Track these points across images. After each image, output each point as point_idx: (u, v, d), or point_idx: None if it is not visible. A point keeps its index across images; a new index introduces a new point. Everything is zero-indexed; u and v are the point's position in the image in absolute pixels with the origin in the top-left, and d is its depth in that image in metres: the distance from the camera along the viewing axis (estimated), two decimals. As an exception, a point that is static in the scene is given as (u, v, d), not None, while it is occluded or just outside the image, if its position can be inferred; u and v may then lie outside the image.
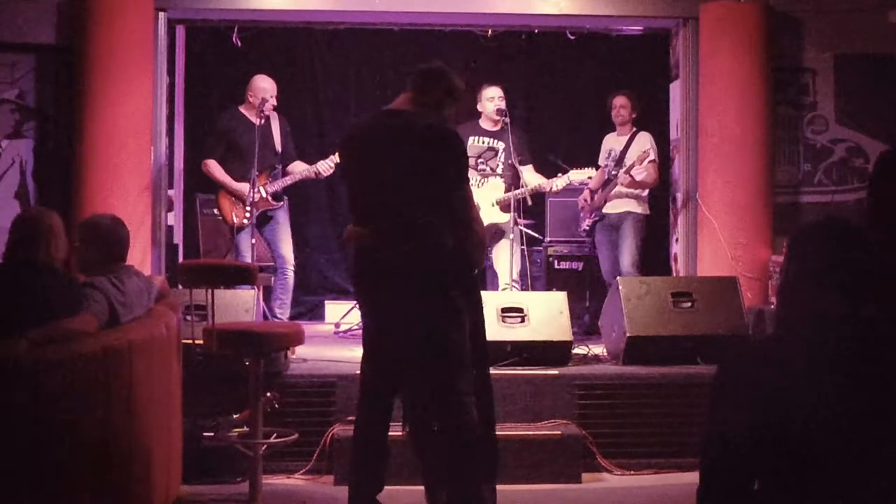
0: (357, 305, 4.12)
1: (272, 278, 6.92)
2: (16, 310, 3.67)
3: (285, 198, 6.66)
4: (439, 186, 3.80)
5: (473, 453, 3.81)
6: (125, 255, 4.19)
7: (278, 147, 6.59)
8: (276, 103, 6.55)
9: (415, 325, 3.78)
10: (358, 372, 5.27)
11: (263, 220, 6.50)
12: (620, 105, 6.97)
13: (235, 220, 6.36)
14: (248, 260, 6.32)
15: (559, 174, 6.65)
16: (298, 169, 6.57)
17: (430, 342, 3.78)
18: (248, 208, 6.30)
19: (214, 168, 6.45)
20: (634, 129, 7.00)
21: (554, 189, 6.66)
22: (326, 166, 6.47)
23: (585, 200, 7.13)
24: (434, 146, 3.83)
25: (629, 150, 6.88)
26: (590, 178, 6.69)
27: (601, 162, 7.15)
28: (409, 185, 3.79)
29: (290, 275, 6.55)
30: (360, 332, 6.98)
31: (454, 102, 4.09)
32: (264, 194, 6.39)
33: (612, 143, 7.10)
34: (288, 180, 6.54)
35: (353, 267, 4.04)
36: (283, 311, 6.52)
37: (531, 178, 6.61)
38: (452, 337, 3.80)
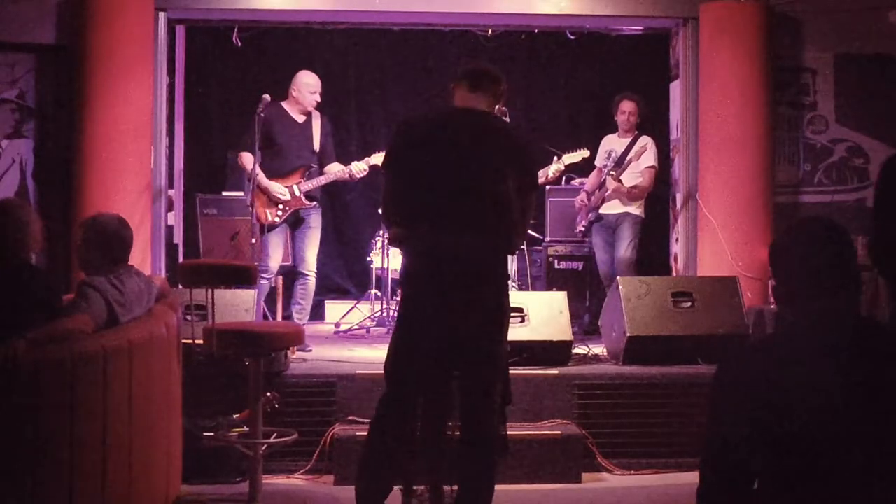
0: (401, 301, 3.93)
1: (273, 278, 6.90)
2: None
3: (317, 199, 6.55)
4: (517, 191, 3.74)
5: (495, 463, 3.80)
6: (127, 255, 4.17)
7: (316, 146, 6.49)
8: (318, 100, 6.49)
9: (480, 325, 3.73)
10: (358, 372, 5.32)
11: (296, 222, 6.42)
12: (629, 111, 6.93)
13: (269, 218, 6.31)
14: (276, 260, 6.31)
15: (554, 159, 6.62)
16: (334, 169, 6.48)
17: (488, 343, 3.75)
18: (280, 206, 6.28)
19: (248, 162, 6.34)
20: (637, 132, 6.99)
21: (550, 176, 6.60)
22: (360, 168, 6.43)
23: (583, 201, 7.11)
24: (519, 152, 3.81)
25: (630, 152, 6.87)
26: (584, 158, 6.63)
27: (598, 162, 7.14)
28: (490, 186, 3.70)
29: (312, 281, 6.43)
30: (361, 331, 7.11)
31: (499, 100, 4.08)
32: (298, 193, 6.34)
33: (612, 143, 7.08)
34: (322, 180, 6.44)
35: (407, 265, 3.86)
36: (301, 317, 6.38)
37: None
38: (503, 347, 3.80)
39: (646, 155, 6.84)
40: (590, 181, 7.21)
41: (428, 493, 4.14)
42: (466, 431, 3.79)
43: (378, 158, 6.37)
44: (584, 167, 7.39)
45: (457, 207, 3.70)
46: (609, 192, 6.87)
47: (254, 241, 6.30)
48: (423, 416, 4.01)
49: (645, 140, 6.91)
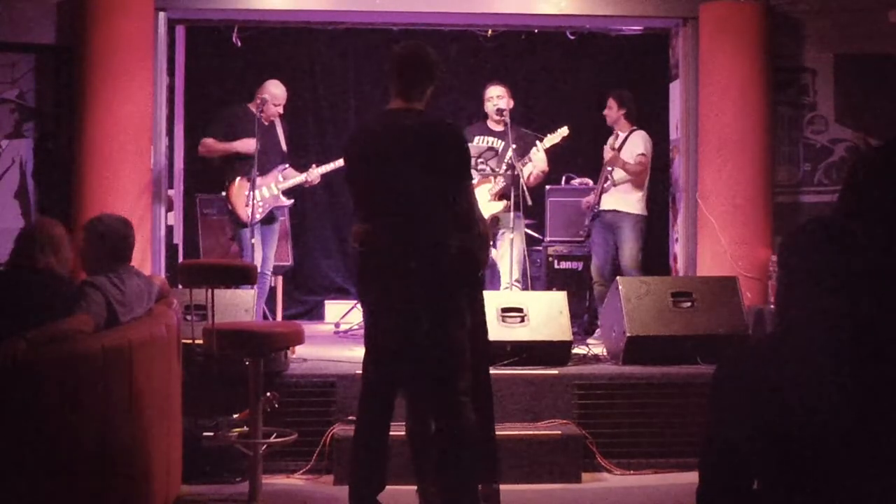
0: (359, 304, 4.08)
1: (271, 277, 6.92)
2: (13, 313, 3.69)
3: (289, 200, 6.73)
4: (444, 185, 3.80)
5: (469, 454, 3.81)
6: (129, 255, 4.19)
7: (284, 147, 6.65)
8: (281, 112, 6.58)
9: (418, 324, 3.78)
10: (358, 371, 5.31)
11: (265, 222, 6.48)
12: (607, 108, 6.97)
13: (249, 215, 6.34)
14: (253, 257, 6.33)
15: (536, 143, 6.59)
16: (290, 175, 6.63)
17: (432, 341, 3.78)
18: (260, 203, 6.37)
19: (212, 142, 6.45)
20: (633, 126, 6.97)
21: (537, 165, 6.55)
22: (315, 175, 6.63)
23: (588, 202, 7.09)
24: (439, 144, 3.84)
25: (624, 147, 6.86)
26: (563, 137, 6.61)
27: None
28: (415, 184, 3.78)
29: (269, 280, 6.60)
30: (361, 331, 7.09)
31: (435, 82, 4.05)
32: (276, 192, 6.47)
33: (610, 142, 7.07)
34: (299, 180, 6.61)
35: (358, 265, 4.03)
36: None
37: (527, 168, 6.55)
38: (454, 336, 3.80)
39: (632, 147, 6.80)
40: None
41: (417, 492, 4.16)
42: (436, 428, 3.84)
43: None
44: (584, 165, 7.37)
45: (388, 210, 3.83)
46: (606, 183, 6.84)
47: (253, 240, 6.32)
48: (407, 416, 4.06)
49: (637, 135, 6.87)
